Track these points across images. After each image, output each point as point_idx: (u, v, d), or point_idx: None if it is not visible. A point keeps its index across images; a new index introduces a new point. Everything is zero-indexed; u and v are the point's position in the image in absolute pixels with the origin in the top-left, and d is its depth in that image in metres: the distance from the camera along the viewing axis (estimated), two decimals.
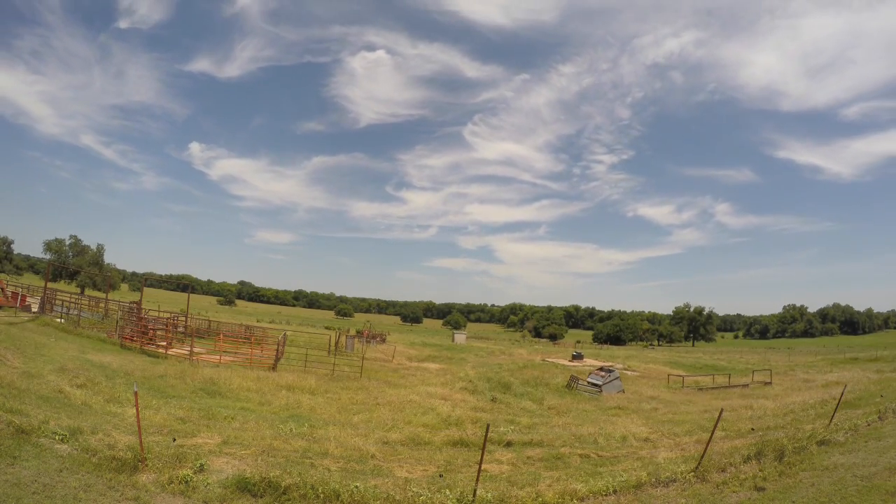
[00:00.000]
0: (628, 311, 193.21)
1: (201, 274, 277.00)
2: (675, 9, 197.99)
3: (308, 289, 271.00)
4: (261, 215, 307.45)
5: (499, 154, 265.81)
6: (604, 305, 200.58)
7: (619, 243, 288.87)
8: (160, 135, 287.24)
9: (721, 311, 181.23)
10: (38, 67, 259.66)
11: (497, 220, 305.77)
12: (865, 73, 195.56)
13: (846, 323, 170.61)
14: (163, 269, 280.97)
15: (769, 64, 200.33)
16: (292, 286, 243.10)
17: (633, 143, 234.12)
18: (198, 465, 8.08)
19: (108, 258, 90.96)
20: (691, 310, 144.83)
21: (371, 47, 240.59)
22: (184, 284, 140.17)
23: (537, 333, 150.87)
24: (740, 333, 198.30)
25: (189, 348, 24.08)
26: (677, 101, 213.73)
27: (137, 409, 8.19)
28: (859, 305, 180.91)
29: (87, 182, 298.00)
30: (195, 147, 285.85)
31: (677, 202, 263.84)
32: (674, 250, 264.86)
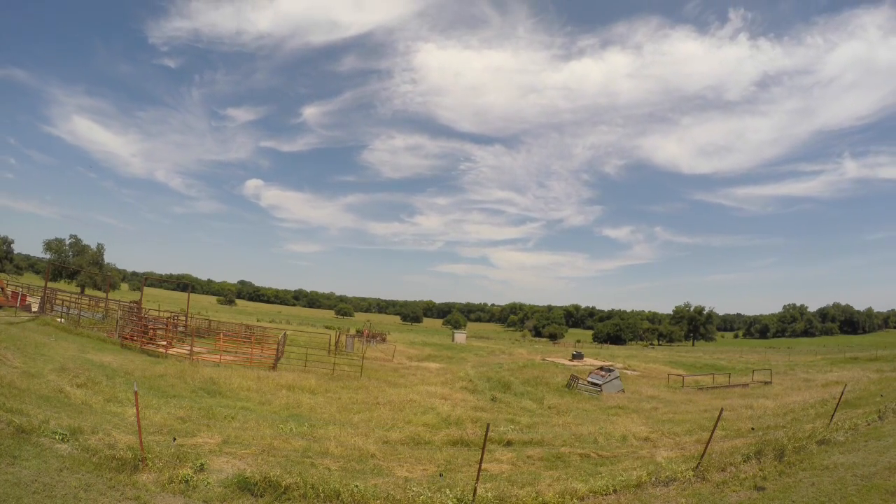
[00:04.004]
0: (627, 310, 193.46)
1: (202, 274, 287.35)
2: (606, 118, 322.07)
3: (329, 291, 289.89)
4: (297, 233, 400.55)
5: (489, 197, 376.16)
6: (593, 304, 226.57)
7: (596, 255, 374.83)
8: (227, 176, 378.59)
9: (721, 311, 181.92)
10: (149, 131, 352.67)
11: (492, 237, 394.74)
12: (743, 157, 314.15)
13: (846, 322, 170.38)
14: (162, 268, 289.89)
15: (673, 150, 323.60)
16: (316, 288, 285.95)
17: (588, 186, 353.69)
18: (198, 464, 8.08)
19: (109, 258, 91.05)
20: (691, 309, 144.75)
21: (400, 139, 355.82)
22: (184, 284, 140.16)
23: (537, 333, 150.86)
24: (740, 333, 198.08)
25: (189, 348, 24.09)
26: (613, 162, 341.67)
27: (137, 409, 8.20)
28: (859, 305, 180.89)
29: (144, 204, 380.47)
30: (251, 182, 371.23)
31: (630, 227, 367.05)
32: (639, 261, 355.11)
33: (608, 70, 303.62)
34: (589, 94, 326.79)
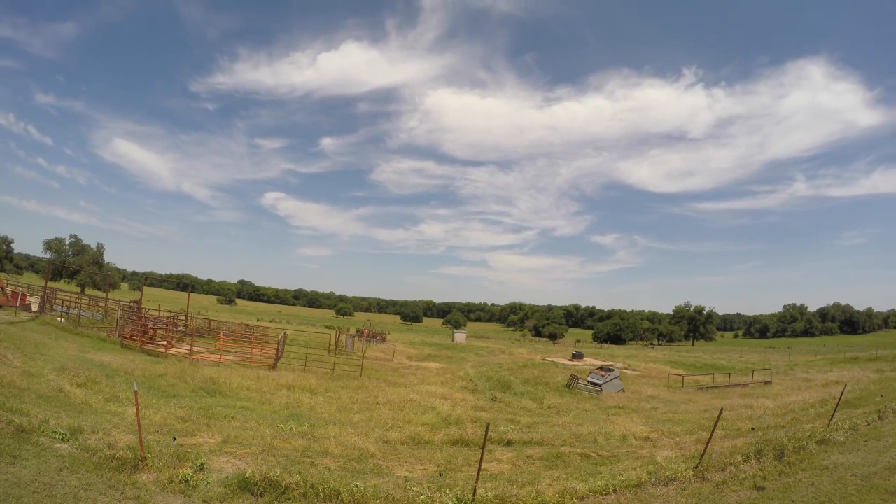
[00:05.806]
0: (627, 310, 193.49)
1: (202, 274, 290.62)
2: (587, 147, 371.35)
3: (329, 291, 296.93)
4: (310, 239, 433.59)
5: (486, 209, 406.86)
6: (592, 304, 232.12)
7: (590, 258, 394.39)
8: (250, 189, 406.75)
9: (721, 311, 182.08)
10: (189, 152, 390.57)
11: (491, 242, 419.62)
12: (703, 179, 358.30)
13: (846, 322, 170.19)
14: (162, 268, 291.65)
15: (644, 174, 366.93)
16: (322, 289, 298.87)
17: (574, 200, 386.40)
18: (198, 464, 8.08)
19: (109, 257, 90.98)
20: (691, 309, 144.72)
21: (406, 163, 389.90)
22: (184, 284, 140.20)
23: (537, 332, 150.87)
24: (740, 333, 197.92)
25: (189, 347, 24.10)
26: (595, 181, 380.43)
27: (137, 409, 8.20)
28: (859, 305, 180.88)
29: (166, 213, 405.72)
30: (271, 195, 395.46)
31: (615, 234, 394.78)
32: (627, 265, 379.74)
33: (587, 113, 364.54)
34: (574, 131, 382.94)
